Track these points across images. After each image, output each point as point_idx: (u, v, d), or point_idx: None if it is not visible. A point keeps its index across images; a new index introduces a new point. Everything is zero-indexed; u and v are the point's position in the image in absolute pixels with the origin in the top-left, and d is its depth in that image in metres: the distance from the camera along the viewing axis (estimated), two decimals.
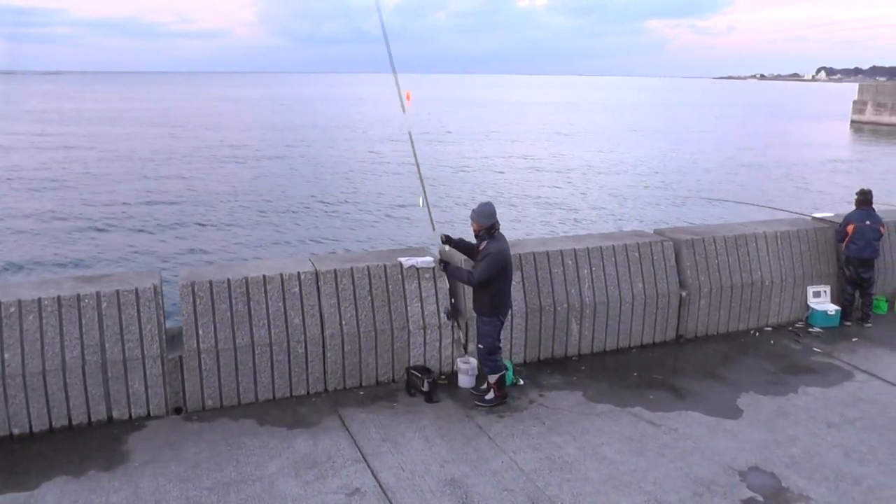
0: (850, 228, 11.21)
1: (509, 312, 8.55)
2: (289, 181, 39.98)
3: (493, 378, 8.15)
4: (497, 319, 8.12)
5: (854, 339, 10.66)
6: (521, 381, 8.82)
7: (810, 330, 11.03)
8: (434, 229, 8.69)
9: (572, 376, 9.14)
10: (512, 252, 8.38)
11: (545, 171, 46.06)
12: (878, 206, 11.56)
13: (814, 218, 12.40)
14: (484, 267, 7.95)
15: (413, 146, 9.04)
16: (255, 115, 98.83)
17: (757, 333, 10.86)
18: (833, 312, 11.19)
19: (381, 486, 6.53)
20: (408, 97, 8.77)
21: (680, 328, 10.47)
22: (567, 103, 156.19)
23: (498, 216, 8.10)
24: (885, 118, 79.39)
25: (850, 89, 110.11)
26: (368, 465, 6.88)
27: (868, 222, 11.17)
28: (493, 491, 6.51)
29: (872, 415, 8.23)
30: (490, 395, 8.16)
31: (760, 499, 6.52)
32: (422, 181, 8.99)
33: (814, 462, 7.16)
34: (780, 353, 10.09)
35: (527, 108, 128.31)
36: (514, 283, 8.67)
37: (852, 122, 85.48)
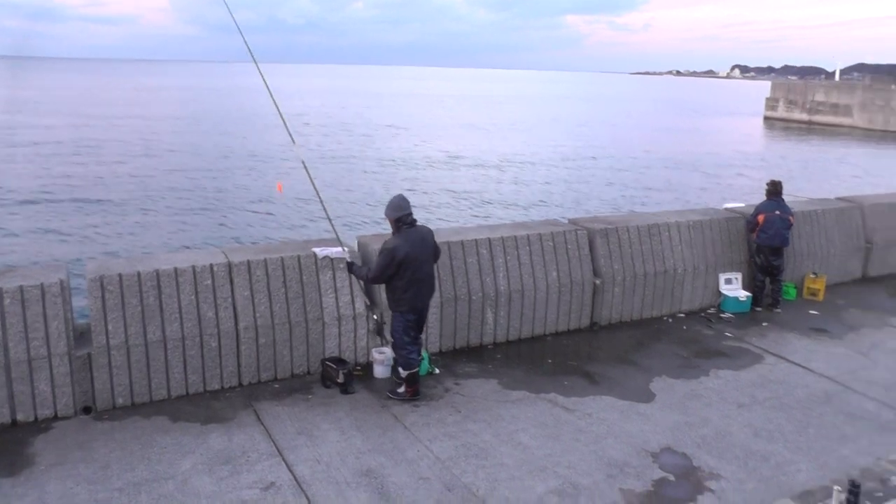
0: (760, 218, 11.53)
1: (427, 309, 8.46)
2: (200, 174, 38.86)
3: (403, 373, 8.09)
4: (401, 316, 8.03)
5: (764, 324, 10.97)
6: (437, 371, 8.82)
7: (722, 316, 11.30)
8: (344, 249, 8.67)
9: (488, 364, 9.19)
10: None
11: (460, 163, 46.07)
12: (787, 196, 11.90)
13: (725, 208, 12.70)
14: (376, 263, 7.94)
15: (309, 174, 9.02)
16: (167, 106, 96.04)
17: (670, 320, 11.08)
18: (744, 298, 11.48)
19: (296, 480, 6.45)
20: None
21: (594, 315, 10.61)
22: (485, 96, 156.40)
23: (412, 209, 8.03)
24: (796, 115, 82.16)
25: (764, 87, 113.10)
26: (284, 459, 6.79)
27: (778, 212, 11.50)
28: (409, 480, 6.50)
29: (780, 395, 8.50)
30: (401, 390, 8.11)
31: (672, 478, 6.65)
32: (325, 209, 9.05)
33: (724, 441, 7.35)
34: (692, 339, 10.31)
35: (445, 102, 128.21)
36: None
37: (765, 118, 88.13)
